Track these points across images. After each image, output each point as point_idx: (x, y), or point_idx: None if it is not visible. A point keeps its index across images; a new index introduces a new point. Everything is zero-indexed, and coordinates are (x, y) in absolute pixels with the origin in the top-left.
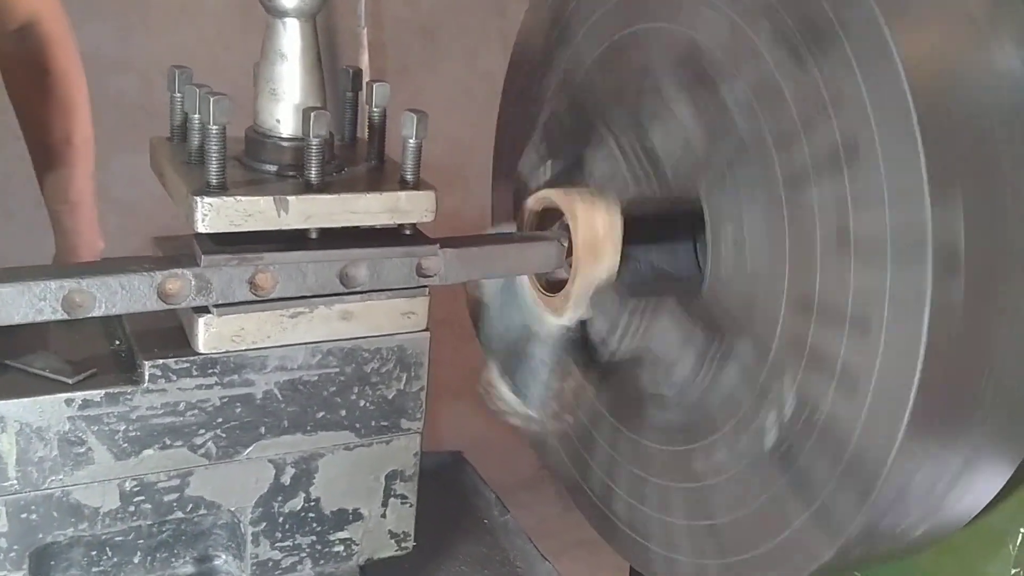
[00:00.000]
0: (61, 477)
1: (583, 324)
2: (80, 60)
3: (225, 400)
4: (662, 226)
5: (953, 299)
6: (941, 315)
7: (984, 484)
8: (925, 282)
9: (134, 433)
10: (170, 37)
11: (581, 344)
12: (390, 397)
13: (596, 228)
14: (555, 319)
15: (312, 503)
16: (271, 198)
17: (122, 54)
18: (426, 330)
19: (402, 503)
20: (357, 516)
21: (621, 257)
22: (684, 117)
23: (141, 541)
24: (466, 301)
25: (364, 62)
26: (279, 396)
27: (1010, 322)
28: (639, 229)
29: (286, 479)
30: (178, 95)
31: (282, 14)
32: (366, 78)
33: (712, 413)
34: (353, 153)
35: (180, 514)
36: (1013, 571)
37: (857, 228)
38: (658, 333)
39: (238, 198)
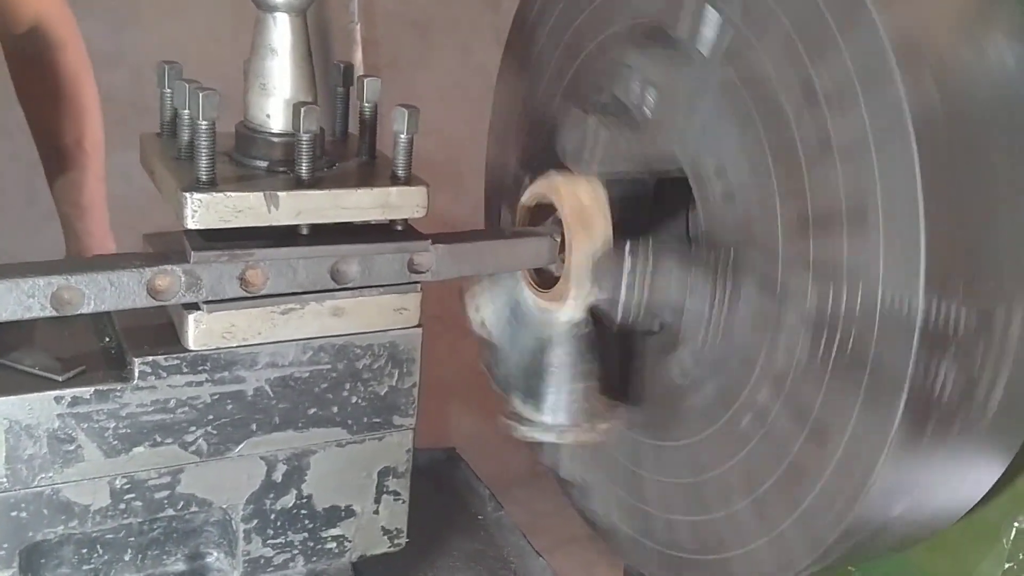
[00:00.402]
0: (51, 475)
1: (592, 319)
2: (89, 63)
3: (216, 397)
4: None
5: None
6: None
7: (973, 484)
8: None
9: (124, 430)
10: (161, 32)
11: (595, 337)
12: (382, 393)
13: (580, 197)
14: (562, 312)
15: (304, 500)
16: (261, 194)
17: (113, 50)
18: (418, 326)
19: (395, 500)
20: (349, 513)
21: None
22: (642, 66)
23: (132, 539)
24: (479, 353)
25: (357, 58)
26: (270, 393)
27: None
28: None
29: (278, 476)
30: (168, 91)
31: (272, 9)
32: (358, 74)
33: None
34: (344, 149)
35: (171, 511)
36: (1007, 566)
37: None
38: (663, 277)
39: (228, 194)
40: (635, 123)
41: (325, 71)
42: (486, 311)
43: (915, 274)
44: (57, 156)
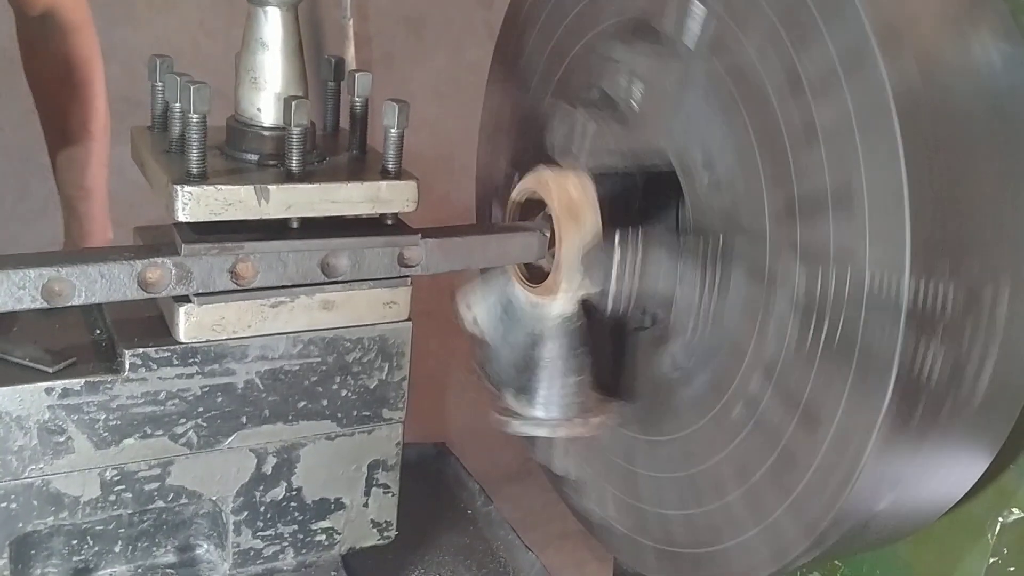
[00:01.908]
0: (41, 466)
1: (584, 312)
2: (99, 49)
3: (206, 389)
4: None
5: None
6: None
7: (962, 473)
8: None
9: (114, 422)
10: (154, 27)
11: (587, 331)
12: (372, 387)
13: (569, 190)
14: (553, 306)
15: (294, 492)
16: (252, 187)
17: (106, 44)
18: (408, 320)
19: (384, 492)
20: (339, 505)
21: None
22: (629, 61)
23: (122, 530)
24: (471, 353)
25: (350, 54)
26: (260, 385)
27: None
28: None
29: (267, 468)
30: (159, 84)
31: (263, 3)
32: (350, 68)
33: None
34: (335, 143)
35: (161, 503)
36: (991, 560)
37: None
38: (652, 267)
39: (219, 187)
40: (623, 117)
41: (317, 65)
42: (478, 309)
43: (901, 255)
44: (63, 138)
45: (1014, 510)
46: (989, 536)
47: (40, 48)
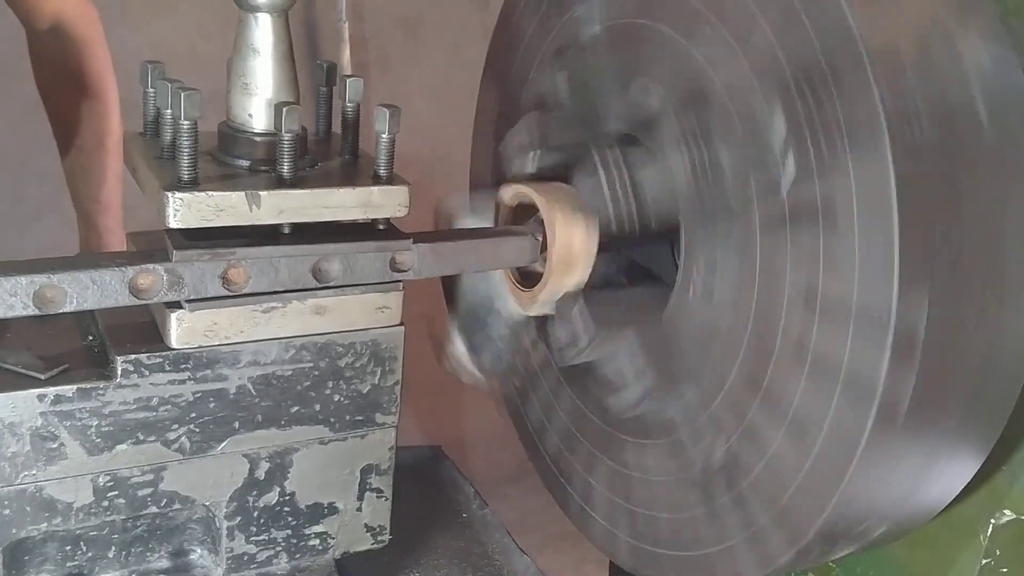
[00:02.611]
0: (34, 472)
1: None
2: (111, 63)
3: (198, 395)
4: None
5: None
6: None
7: (953, 474)
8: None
9: (107, 428)
10: (149, 31)
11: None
12: (364, 391)
13: (572, 243)
14: (519, 309)
15: (287, 497)
16: (243, 193)
17: None
18: (401, 324)
19: (377, 497)
20: (332, 510)
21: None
22: (676, 165)
23: (116, 536)
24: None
25: (345, 56)
26: (252, 391)
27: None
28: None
29: (261, 473)
30: (151, 90)
31: (254, 9)
32: (347, 72)
33: (648, 425)
34: (328, 148)
35: (154, 509)
36: (984, 561)
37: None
38: (613, 357)
39: (210, 193)
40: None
41: (312, 69)
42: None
43: (889, 276)
44: (79, 153)
45: (1006, 511)
46: (982, 537)
47: (52, 62)
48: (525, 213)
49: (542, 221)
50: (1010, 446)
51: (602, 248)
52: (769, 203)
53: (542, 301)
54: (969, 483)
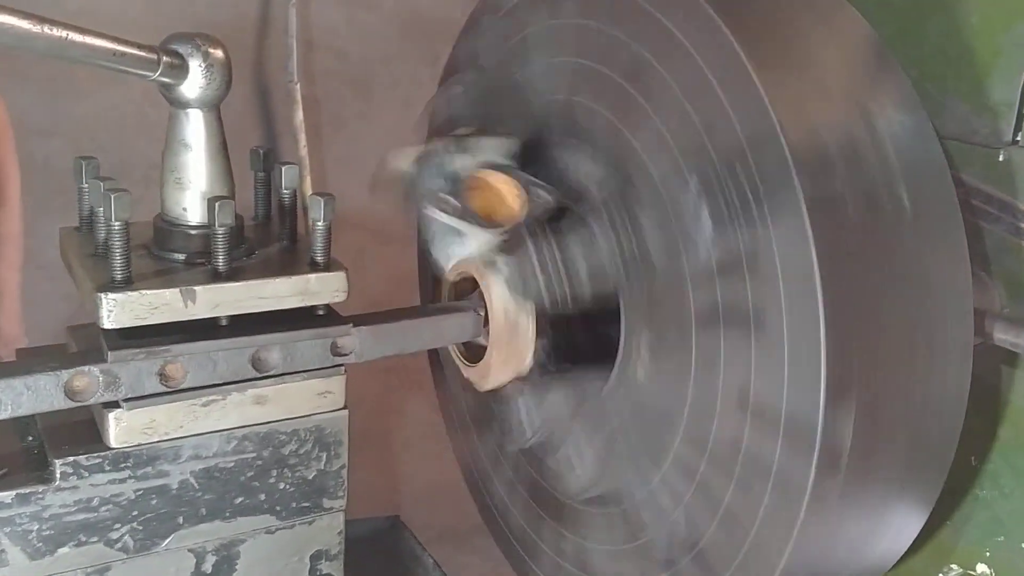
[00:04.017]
0: None
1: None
2: (15, 155)
3: (140, 493)
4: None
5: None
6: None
7: (899, 531)
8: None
9: (48, 532)
10: (97, 99)
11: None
12: (310, 477)
13: (510, 313)
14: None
15: None
16: (177, 290)
17: (49, 119)
18: (344, 408)
19: None
20: None
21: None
22: (609, 242)
23: None
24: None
25: (298, 117)
26: (195, 485)
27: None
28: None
29: (207, 567)
30: (84, 186)
31: (184, 105)
32: (301, 133)
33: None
34: (266, 233)
35: None
36: None
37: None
38: (560, 444)
39: (143, 292)
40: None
41: (266, 133)
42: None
43: (816, 388)
44: None
45: (953, 566)
46: None
47: None
48: (467, 288)
49: (483, 295)
50: (951, 503)
51: (552, 327)
52: (700, 295)
53: (492, 380)
54: (915, 539)
